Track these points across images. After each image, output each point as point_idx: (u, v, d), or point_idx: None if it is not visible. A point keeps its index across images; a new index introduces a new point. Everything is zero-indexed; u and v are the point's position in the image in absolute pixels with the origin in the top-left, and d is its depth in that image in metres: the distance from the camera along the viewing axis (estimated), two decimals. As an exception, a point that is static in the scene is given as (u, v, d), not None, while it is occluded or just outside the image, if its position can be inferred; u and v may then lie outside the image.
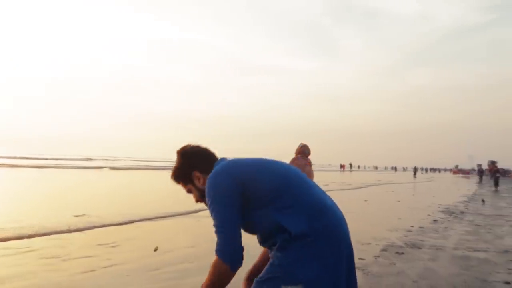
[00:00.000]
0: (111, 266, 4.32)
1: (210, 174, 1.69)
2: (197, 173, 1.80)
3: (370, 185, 22.43)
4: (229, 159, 1.82)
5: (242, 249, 1.62)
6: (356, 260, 4.79)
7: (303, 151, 5.82)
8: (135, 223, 7.11)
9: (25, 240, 5.51)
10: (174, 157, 1.87)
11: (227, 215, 1.58)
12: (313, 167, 5.97)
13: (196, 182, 1.81)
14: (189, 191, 1.87)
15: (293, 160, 5.71)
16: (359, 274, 4.18)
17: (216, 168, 1.71)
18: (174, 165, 1.86)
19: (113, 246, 5.29)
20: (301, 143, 5.98)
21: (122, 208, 9.02)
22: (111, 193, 13.58)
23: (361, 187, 20.31)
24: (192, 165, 1.81)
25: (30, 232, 5.90)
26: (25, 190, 14.17)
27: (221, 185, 1.60)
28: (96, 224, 6.78)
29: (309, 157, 5.91)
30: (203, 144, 1.93)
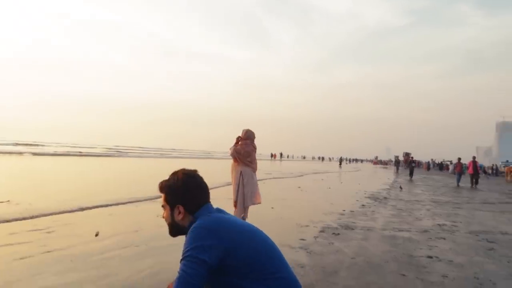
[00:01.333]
0: (49, 252, 4.10)
1: (198, 224, 1.67)
2: (180, 208, 1.80)
3: (306, 174, 23.36)
4: (216, 213, 1.80)
5: None
6: (297, 241, 5.09)
7: (249, 136, 5.86)
8: (73, 212, 6.74)
9: None
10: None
11: (197, 272, 1.57)
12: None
13: (176, 213, 1.80)
14: (163, 207, 1.86)
15: (242, 145, 5.75)
16: (302, 253, 4.46)
17: (205, 221, 1.69)
18: (170, 180, 1.84)
19: (48, 232, 4.99)
20: (246, 129, 6.01)
21: (52, 196, 8.47)
22: (37, 180, 12.62)
23: (300, 175, 21.08)
24: (184, 199, 1.80)
25: None
26: None
27: (203, 243, 1.60)
28: (25, 211, 6.31)
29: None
30: (199, 173, 1.91)
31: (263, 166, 29.55)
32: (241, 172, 5.68)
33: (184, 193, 1.79)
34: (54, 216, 6.11)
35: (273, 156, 78.09)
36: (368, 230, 6.12)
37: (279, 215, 7.14)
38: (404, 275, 3.83)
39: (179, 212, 1.79)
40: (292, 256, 4.31)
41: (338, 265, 4.06)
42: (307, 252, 4.55)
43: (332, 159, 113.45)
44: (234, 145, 5.79)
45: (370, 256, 4.49)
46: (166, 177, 1.89)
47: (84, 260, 3.85)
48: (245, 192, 5.63)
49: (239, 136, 5.93)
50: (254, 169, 5.82)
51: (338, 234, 5.69)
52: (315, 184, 16.10)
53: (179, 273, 1.59)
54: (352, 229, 6.14)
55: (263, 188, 11.60)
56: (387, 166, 76.15)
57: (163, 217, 1.87)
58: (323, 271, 3.85)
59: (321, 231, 5.82)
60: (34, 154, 31.90)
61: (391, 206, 9.50)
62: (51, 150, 41.45)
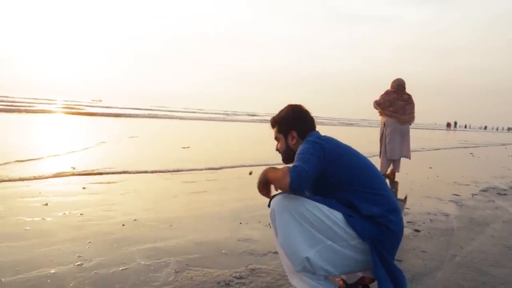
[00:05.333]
0: (212, 180, 4.89)
1: (312, 137, 1.84)
2: (294, 133, 1.94)
3: (483, 145, 20.44)
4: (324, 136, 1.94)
5: (309, 184, 1.69)
6: (449, 195, 4.68)
7: (394, 85, 5.45)
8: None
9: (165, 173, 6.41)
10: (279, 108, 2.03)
11: (316, 157, 1.70)
12: (416, 127, 5.45)
13: (289, 139, 1.95)
14: (276, 139, 2.03)
15: (383, 95, 5.37)
16: (451, 205, 4.13)
17: (315, 137, 1.85)
18: (280, 113, 2.01)
19: (216, 171, 5.88)
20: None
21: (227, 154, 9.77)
22: (219, 141, 14.59)
23: (475, 146, 18.64)
24: (295, 124, 1.96)
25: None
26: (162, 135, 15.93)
27: (314, 149, 1.75)
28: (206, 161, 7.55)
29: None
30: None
31: (430, 135, 27.00)
32: (384, 123, 5.43)
33: (294, 119, 1.96)
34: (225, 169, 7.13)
35: (448, 126, 69.89)
36: (549, 195, 5.13)
37: (436, 174, 6.59)
38: None
39: (292, 138, 1.95)
40: (437, 206, 4.05)
41: (492, 219, 3.62)
42: (458, 205, 4.17)
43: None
44: None
45: (540, 216, 3.82)
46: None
47: (239, 188, 4.49)
48: (387, 143, 5.36)
49: None
50: (402, 120, 5.41)
51: (505, 194, 4.97)
52: (492, 152, 13.96)
53: (298, 158, 1.72)
54: (527, 192, 5.24)
55: (427, 156, 10.78)
56: None
57: (277, 149, 2.04)
58: (470, 221, 3.50)
59: (482, 190, 5.18)
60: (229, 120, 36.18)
61: None
62: (238, 117, 46.20)
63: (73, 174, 4.74)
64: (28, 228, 2.70)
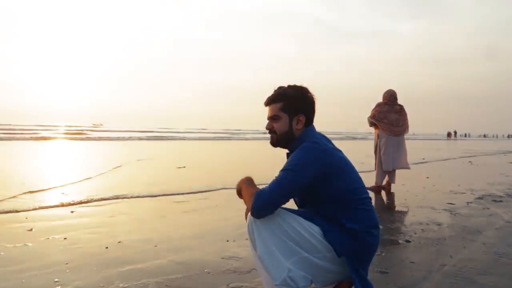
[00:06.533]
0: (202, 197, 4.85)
1: (310, 144, 1.69)
2: (302, 117, 1.77)
3: (485, 154, 20.31)
4: (323, 139, 1.78)
5: (272, 211, 1.64)
6: (443, 204, 4.63)
7: (385, 97, 5.46)
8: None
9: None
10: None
11: (292, 184, 1.62)
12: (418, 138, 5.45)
13: (294, 123, 1.77)
14: (274, 118, 1.80)
15: (376, 108, 5.40)
16: (444, 214, 4.08)
17: (314, 145, 1.68)
18: (289, 90, 1.80)
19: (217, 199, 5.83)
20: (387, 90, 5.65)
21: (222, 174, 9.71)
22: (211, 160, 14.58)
23: (475, 155, 18.51)
24: (306, 109, 1.80)
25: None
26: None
27: (309, 163, 1.63)
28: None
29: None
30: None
31: (433, 145, 26.83)
32: (378, 134, 5.44)
33: (309, 104, 1.81)
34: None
35: (449, 135, 69.71)
36: (546, 200, 5.06)
37: (433, 183, 6.53)
38: None
39: (298, 122, 1.78)
40: (430, 215, 3.99)
41: (486, 226, 3.56)
42: (451, 213, 4.11)
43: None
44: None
45: (536, 222, 3.76)
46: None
47: (230, 205, 4.44)
48: (381, 155, 5.35)
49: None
50: (396, 132, 5.42)
51: (500, 201, 4.91)
52: (492, 160, 13.87)
53: (276, 178, 1.64)
54: (523, 198, 5.17)
55: (426, 166, 10.69)
56: None
57: (271, 128, 1.82)
58: (463, 229, 3.45)
59: (478, 198, 5.12)
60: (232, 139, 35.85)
61: None
62: (241, 136, 45.60)
63: (63, 205, 4.69)
64: (2, 253, 2.66)
